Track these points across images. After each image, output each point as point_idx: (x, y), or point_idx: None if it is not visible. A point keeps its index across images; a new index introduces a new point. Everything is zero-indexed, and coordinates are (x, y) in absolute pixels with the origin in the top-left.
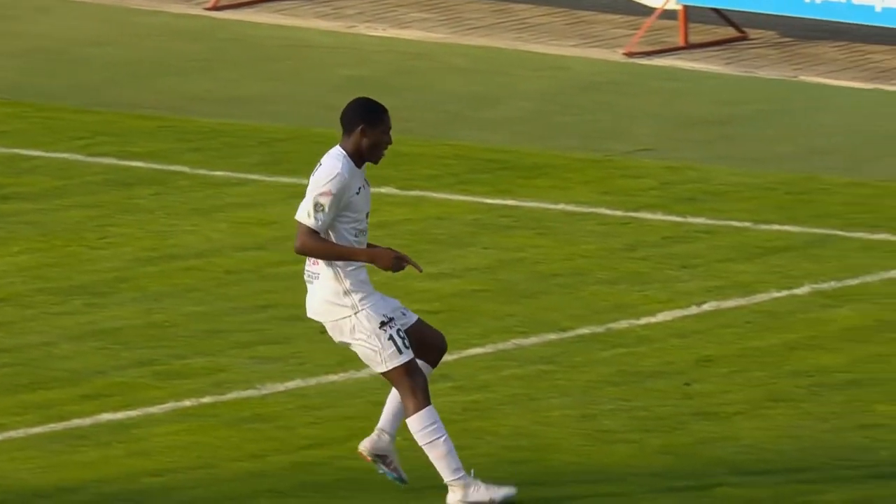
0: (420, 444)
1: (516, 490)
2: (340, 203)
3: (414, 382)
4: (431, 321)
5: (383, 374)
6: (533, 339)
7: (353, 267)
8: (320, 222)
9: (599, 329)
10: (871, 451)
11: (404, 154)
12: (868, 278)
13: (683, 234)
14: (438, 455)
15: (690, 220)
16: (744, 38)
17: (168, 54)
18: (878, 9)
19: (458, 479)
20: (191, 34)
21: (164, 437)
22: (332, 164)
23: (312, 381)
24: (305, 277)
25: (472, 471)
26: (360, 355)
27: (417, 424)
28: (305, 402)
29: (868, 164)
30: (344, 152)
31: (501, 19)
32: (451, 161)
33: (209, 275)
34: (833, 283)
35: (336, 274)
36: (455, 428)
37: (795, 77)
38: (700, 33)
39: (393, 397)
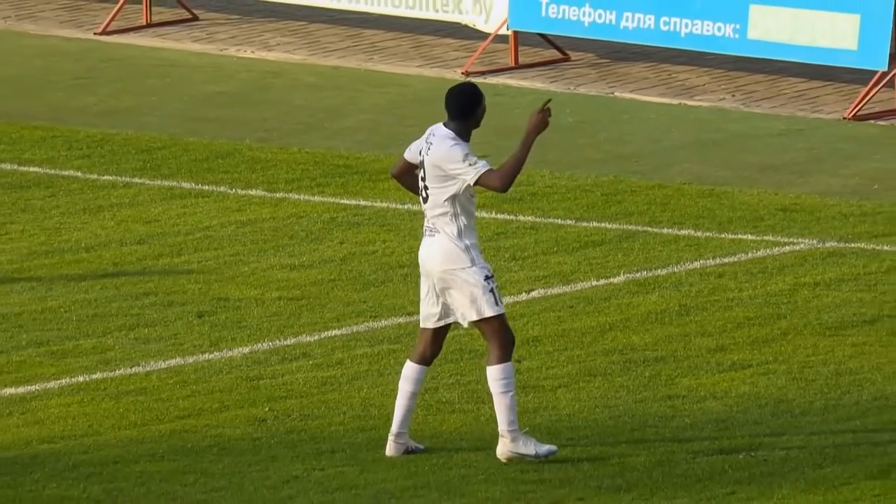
0: (493, 390)
1: (557, 448)
2: None
3: (504, 335)
4: (292, 307)
5: (477, 322)
6: (382, 322)
7: (472, 227)
8: (480, 163)
9: None
10: (673, 419)
11: (266, 160)
12: (673, 269)
13: (513, 230)
14: (505, 406)
15: (519, 217)
16: (566, 59)
17: (54, 72)
18: (682, 34)
19: (513, 430)
20: (75, 55)
21: (57, 408)
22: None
23: (189, 360)
24: (426, 232)
25: (526, 429)
26: (457, 303)
27: (498, 374)
28: (182, 378)
29: (670, 169)
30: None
31: (354, 43)
32: (308, 166)
33: (96, 266)
34: (644, 273)
35: (459, 232)
36: (313, 400)
37: (611, 93)
38: (528, 55)
39: (399, 405)
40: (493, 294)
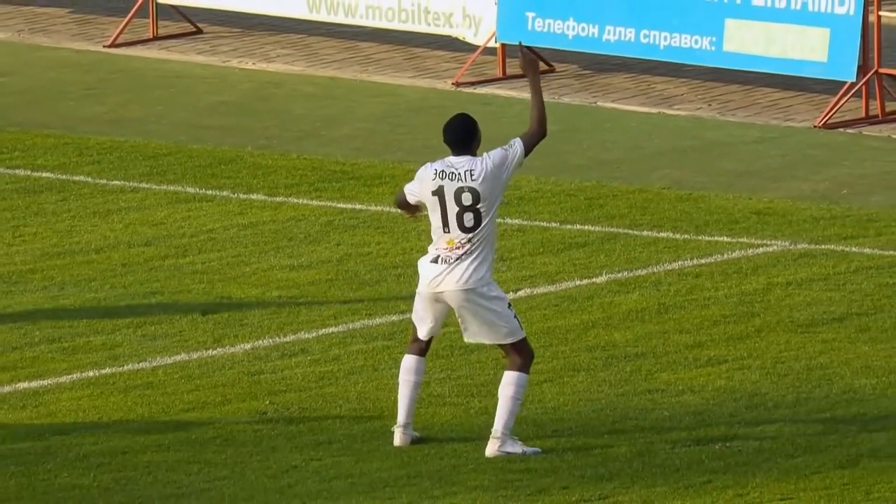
0: (508, 395)
1: (541, 451)
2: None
3: (530, 352)
4: (291, 305)
5: (502, 342)
6: (377, 320)
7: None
8: (514, 140)
9: None
10: (653, 412)
11: (267, 166)
12: (652, 269)
13: (501, 233)
14: (511, 411)
15: (506, 220)
16: (551, 70)
17: (65, 83)
18: (661, 47)
19: (506, 434)
20: (85, 66)
21: (68, 402)
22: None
23: (194, 356)
24: (443, 263)
25: (516, 437)
26: (482, 321)
27: (515, 380)
28: (187, 373)
29: (650, 175)
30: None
31: (350, 55)
32: (307, 172)
33: (106, 267)
34: (625, 273)
35: (492, 252)
36: (312, 394)
37: (594, 103)
38: (516, 66)
39: (405, 396)
40: (517, 319)
